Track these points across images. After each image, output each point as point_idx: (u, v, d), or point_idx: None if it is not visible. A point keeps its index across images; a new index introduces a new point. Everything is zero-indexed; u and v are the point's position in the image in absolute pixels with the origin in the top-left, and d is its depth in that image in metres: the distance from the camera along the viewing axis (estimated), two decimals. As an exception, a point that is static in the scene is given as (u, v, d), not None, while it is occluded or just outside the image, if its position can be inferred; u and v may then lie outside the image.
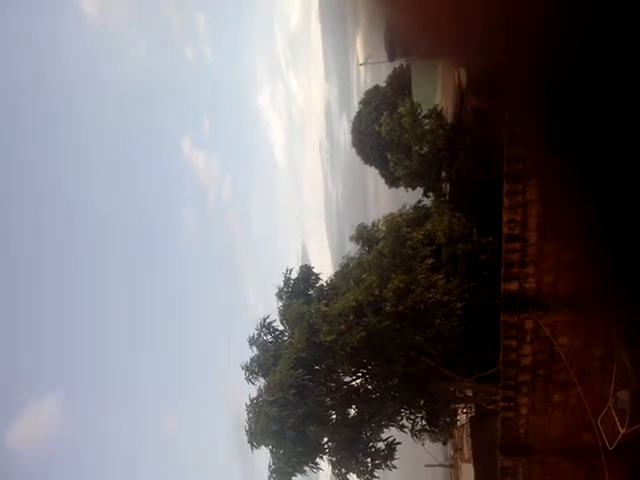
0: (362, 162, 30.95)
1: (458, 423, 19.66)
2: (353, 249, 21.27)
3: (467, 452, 24.74)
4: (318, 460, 16.41)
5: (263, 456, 16.69)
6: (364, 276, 17.54)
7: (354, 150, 30.26)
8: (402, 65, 29.23)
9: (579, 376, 12.74)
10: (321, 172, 67.34)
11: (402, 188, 27.18)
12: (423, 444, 19.44)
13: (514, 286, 13.06)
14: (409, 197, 25.20)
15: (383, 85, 30.01)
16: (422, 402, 16.96)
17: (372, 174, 35.23)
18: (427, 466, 28.88)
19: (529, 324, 13.12)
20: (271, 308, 19.14)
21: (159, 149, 77.03)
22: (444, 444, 26.75)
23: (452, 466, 30.98)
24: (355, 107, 33.58)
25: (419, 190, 25.39)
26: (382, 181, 31.69)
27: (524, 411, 13.68)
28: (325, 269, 20.43)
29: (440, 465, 29.74)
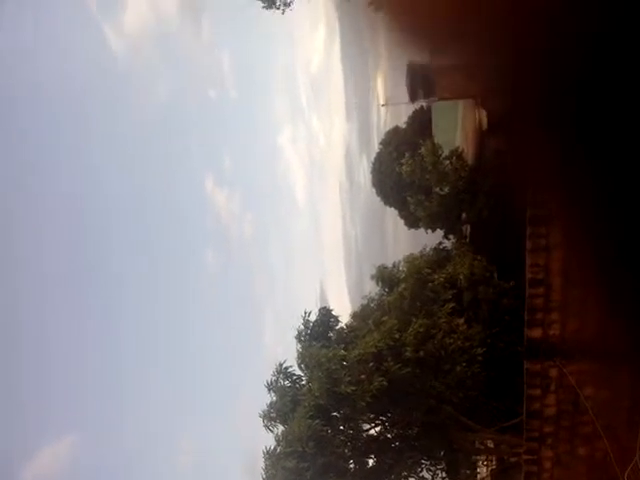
0: (382, 202, 30.82)
1: (478, 476, 19.10)
2: (372, 289, 21.03)
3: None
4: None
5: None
6: (384, 319, 17.29)
7: (374, 190, 30.12)
8: (422, 107, 29.22)
9: (605, 428, 12.23)
10: (340, 212, 67.58)
11: (422, 229, 26.94)
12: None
13: (538, 332, 12.68)
14: (428, 238, 24.92)
15: (403, 126, 30.00)
16: (442, 453, 16.53)
17: (391, 215, 35.03)
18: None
19: (553, 372, 12.68)
20: (289, 349, 18.91)
21: (181, 188, 77.65)
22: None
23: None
24: (375, 147, 33.55)
25: (439, 232, 25.15)
26: (401, 222, 31.46)
27: (548, 465, 13.15)
28: (343, 309, 20.23)
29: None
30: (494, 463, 19.38)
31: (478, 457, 18.37)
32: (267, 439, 17.16)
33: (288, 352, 18.66)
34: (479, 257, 18.96)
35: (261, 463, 16.54)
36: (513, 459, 16.80)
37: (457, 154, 20.65)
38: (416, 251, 21.84)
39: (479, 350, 16.10)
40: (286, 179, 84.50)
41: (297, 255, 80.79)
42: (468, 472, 17.04)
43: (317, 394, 15.70)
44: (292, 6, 21.25)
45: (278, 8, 21.12)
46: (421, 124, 28.41)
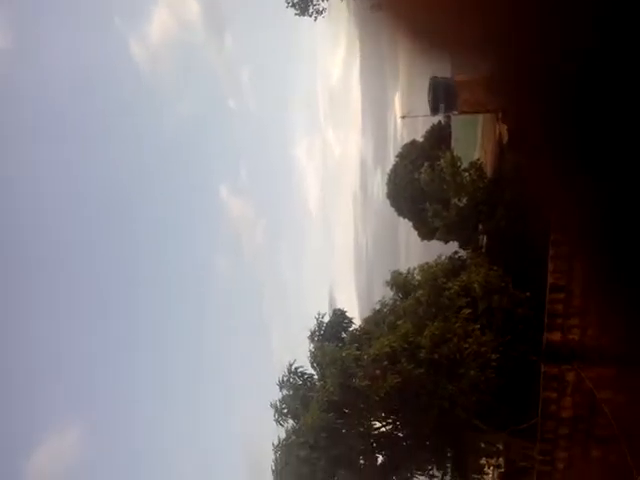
0: (395, 214, 31.14)
1: (486, 478, 19.20)
2: (384, 295, 21.21)
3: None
4: (344, 506, 16.16)
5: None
6: (399, 322, 17.50)
7: (388, 202, 30.47)
8: (440, 121, 29.68)
9: (621, 432, 12.45)
10: (352, 222, 68.19)
11: (434, 242, 27.22)
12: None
13: (557, 337, 12.92)
14: (441, 251, 25.18)
15: (420, 140, 30.43)
16: (453, 453, 16.67)
17: (404, 227, 35.42)
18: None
19: (570, 376, 12.91)
20: (296, 354, 19.13)
21: (197, 194, 78.47)
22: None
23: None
24: (390, 161, 33.99)
25: (452, 245, 25.41)
26: (413, 234, 31.75)
27: (561, 466, 13.35)
28: (352, 316, 20.38)
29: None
30: (503, 466, 19.47)
31: (488, 460, 18.50)
32: (270, 440, 17.39)
33: (294, 356, 18.91)
34: (494, 267, 19.19)
35: (266, 460, 16.74)
36: (523, 463, 16.92)
37: (476, 166, 20.97)
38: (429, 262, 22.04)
39: (493, 356, 16.28)
40: (300, 189, 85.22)
41: (308, 263, 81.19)
42: (477, 477, 17.14)
43: (331, 389, 15.88)
44: (324, 14, 21.66)
45: (310, 15, 21.51)
46: (439, 138, 28.86)
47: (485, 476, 18.59)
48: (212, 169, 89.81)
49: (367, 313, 21.55)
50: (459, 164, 20.93)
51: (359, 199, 64.57)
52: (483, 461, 17.98)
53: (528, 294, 18.08)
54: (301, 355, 18.91)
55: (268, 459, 17.34)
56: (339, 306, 20.38)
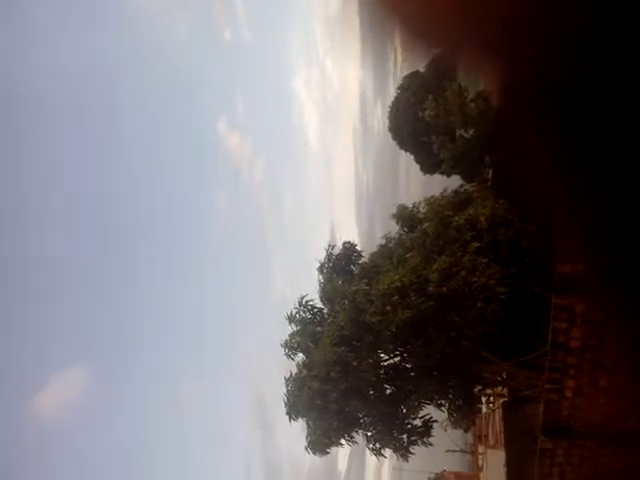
0: (395, 148, 30.86)
1: (491, 405, 19.68)
2: (386, 230, 21.23)
3: (492, 438, 24.67)
4: (354, 434, 16.59)
5: (281, 431, 16.98)
6: (407, 256, 17.56)
7: (389, 135, 30.16)
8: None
9: (630, 360, 12.68)
10: (353, 157, 67.71)
11: (434, 177, 27.09)
12: (446, 429, 19.49)
13: (568, 268, 12.97)
14: (441, 186, 25.04)
15: (422, 71, 29.86)
16: (458, 383, 17.01)
17: (404, 161, 35.20)
18: (448, 451, 28.89)
19: (580, 307, 13.05)
20: (299, 289, 19.29)
21: (194, 129, 77.43)
22: (466, 431, 26.71)
23: (472, 453, 30.85)
24: (390, 93, 33.51)
25: (454, 179, 25.25)
26: (414, 168, 31.56)
27: (569, 394, 13.62)
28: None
29: (461, 451, 29.73)
30: (505, 395, 19.97)
31: (494, 389, 18.94)
32: (271, 373, 17.73)
33: (297, 292, 19.09)
34: (501, 200, 19.17)
35: (268, 392, 17.14)
36: (526, 392, 17.35)
37: (483, 96, 20.68)
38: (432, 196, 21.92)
39: (501, 289, 16.44)
40: (299, 122, 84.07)
41: (308, 198, 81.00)
42: (478, 405, 17.62)
43: (342, 324, 16.10)
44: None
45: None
46: (440, 69, 28.25)
47: (491, 405, 19.06)
48: (208, 103, 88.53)
49: (368, 248, 21.62)
50: (466, 94, 20.65)
51: (359, 132, 63.90)
52: (489, 391, 18.39)
53: (534, 226, 18.14)
54: (303, 290, 19.10)
55: (270, 390, 17.73)
56: (340, 240, 20.42)
